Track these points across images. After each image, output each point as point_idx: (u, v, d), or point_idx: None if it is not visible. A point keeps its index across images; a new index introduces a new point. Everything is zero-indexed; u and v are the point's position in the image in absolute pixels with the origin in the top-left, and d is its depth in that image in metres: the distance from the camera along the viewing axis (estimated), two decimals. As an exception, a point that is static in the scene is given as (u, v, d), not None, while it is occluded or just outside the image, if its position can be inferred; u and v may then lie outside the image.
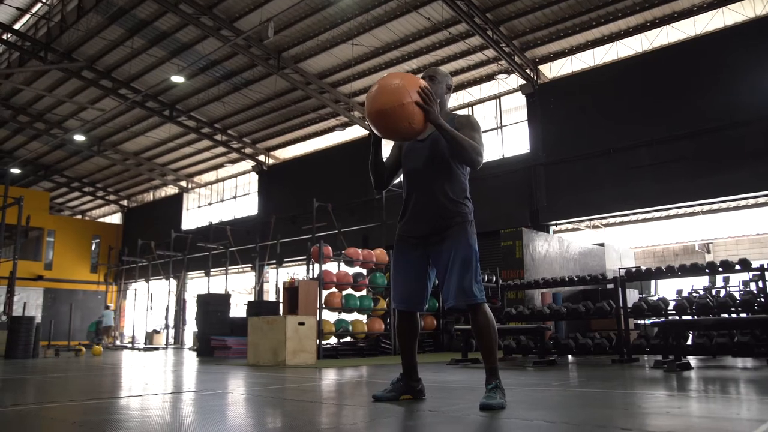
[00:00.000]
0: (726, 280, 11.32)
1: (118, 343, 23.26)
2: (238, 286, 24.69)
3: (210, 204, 26.88)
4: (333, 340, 11.00)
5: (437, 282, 3.41)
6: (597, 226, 18.40)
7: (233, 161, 24.62)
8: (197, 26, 15.59)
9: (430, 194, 3.30)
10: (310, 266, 11.43)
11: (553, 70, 16.07)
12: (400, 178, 3.58)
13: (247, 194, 24.86)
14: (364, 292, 11.35)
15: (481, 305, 3.13)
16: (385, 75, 3.15)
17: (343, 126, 19.93)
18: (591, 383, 4.64)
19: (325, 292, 10.25)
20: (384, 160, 3.50)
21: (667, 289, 12.68)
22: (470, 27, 14.08)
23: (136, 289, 23.83)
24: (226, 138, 22.47)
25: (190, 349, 16.35)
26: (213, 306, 12.79)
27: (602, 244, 15.54)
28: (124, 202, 31.58)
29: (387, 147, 3.39)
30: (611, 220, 17.70)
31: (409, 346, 3.46)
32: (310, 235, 13.20)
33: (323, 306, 10.05)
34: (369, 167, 3.40)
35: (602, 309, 7.57)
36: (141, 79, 19.31)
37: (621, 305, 7.27)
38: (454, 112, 3.46)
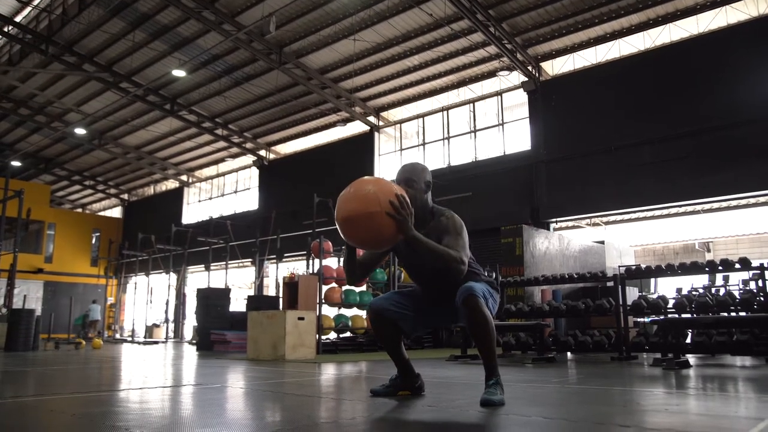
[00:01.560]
0: (726, 278, 11.33)
1: (117, 336, 23.30)
2: (238, 281, 24.71)
3: (210, 198, 26.88)
4: (332, 335, 11.03)
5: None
6: (597, 224, 18.41)
7: (234, 156, 24.62)
8: (199, 20, 15.56)
9: (438, 286, 3.25)
10: (310, 261, 11.44)
11: (555, 67, 16.04)
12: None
13: (248, 189, 24.86)
14: (363, 288, 11.37)
15: (476, 298, 2.99)
16: (360, 179, 2.95)
17: (344, 121, 19.91)
18: (590, 380, 4.65)
19: (324, 287, 10.27)
20: (359, 256, 3.33)
21: (666, 288, 12.70)
22: (472, 23, 14.05)
23: (136, 283, 23.85)
24: (227, 132, 22.46)
25: (189, 343, 16.37)
26: (213, 300, 12.81)
27: (602, 242, 15.54)
28: (125, 196, 31.59)
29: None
30: (612, 218, 17.70)
31: (395, 347, 3.41)
32: (311, 230, 13.21)
33: (323, 301, 10.06)
34: (342, 263, 3.25)
35: (602, 306, 7.56)
36: (142, 73, 19.28)
37: (620, 303, 7.27)
38: (442, 210, 3.22)
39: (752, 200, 14.72)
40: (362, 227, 2.83)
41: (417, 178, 3.20)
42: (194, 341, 14.55)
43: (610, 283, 7.73)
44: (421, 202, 3.18)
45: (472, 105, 17.73)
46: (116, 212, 32.54)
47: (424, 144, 18.85)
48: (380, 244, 2.97)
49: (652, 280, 13.57)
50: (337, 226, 2.90)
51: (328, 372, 5.73)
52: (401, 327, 3.34)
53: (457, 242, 3.02)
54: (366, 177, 3.03)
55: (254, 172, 24.24)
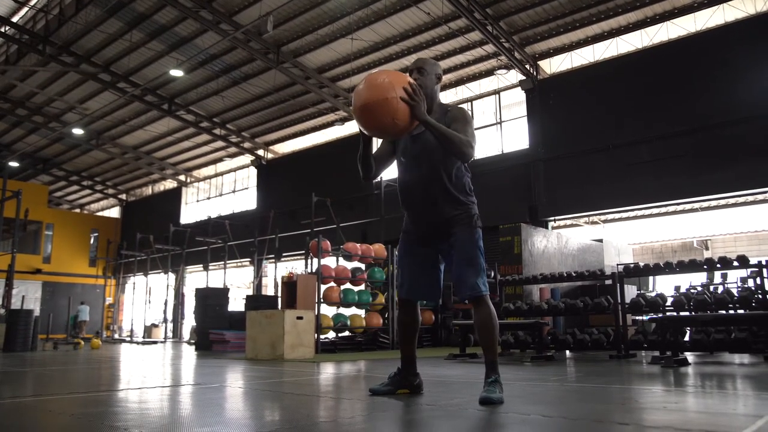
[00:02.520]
0: (724, 276, 11.34)
1: (116, 336, 23.28)
2: (236, 281, 24.70)
3: (209, 198, 26.86)
4: (331, 335, 11.03)
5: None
6: (595, 222, 18.42)
7: (232, 155, 24.60)
8: (196, 20, 15.54)
9: (430, 195, 3.27)
10: (309, 261, 11.44)
11: (553, 65, 16.04)
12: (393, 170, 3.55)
13: (246, 188, 24.84)
14: (362, 287, 11.37)
15: (484, 298, 3.12)
16: (374, 71, 3.09)
17: (342, 121, 19.89)
18: (588, 378, 4.66)
19: (323, 287, 10.27)
20: (374, 151, 3.42)
21: (665, 286, 12.70)
22: (470, 22, 14.05)
23: (134, 283, 23.83)
24: (225, 132, 22.43)
25: (188, 342, 16.37)
26: (211, 300, 12.81)
27: (601, 240, 15.55)
28: (123, 196, 31.55)
29: (377, 142, 3.35)
30: (610, 216, 17.71)
31: (409, 339, 3.47)
32: (309, 230, 13.22)
33: (321, 300, 10.06)
34: (357, 159, 3.32)
35: (600, 305, 7.58)
36: (140, 73, 19.25)
37: (619, 301, 7.28)
38: (447, 104, 3.40)
39: (750, 198, 14.74)
40: (378, 112, 2.93)
41: (429, 68, 3.35)
42: (193, 341, 14.54)
43: (609, 282, 7.75)
44: (431, 91, 3.32)
45: (470, 104, 17.73)
46: (114, 212, 32.50)
47: (422, 143, 18.81)
48: (395, 129, 3.02)
49: (651, 278, 13.60)
50: (355, 117, 3.04)
51: (327, 371, 5.73)
52: (428, 298, 3.43)
53: (466, 130, 3.15)
54: (379, 69, 3.15)
55: (252, 171, 24.22)
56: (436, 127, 3.03)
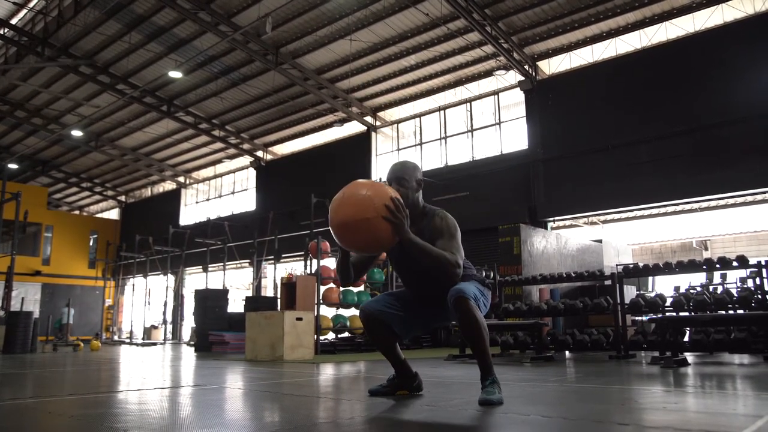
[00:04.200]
0: (723, 276, 11.35)
1: (115, 338, 23.26)
2: (236, 282, 24.69)
3: (208, 199, 26.85)
4: (331, 336, 11.02)
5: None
6: (595, 223, 18.42)
7: (231, 157, 24.60)
8: (195, 21, 15.54)
9: (428, 287, 3.23)
10: (308, 262, 11.43)
11: (552, 66, 16.05)
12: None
13: (245, 190, 24.83)
14: (361, 288, 11.37)
15: (467, 300, 2.96)
16: (353, 182, 2.91)
17: (341, 122, 19.89)
18: (588, 379, 4.65)
19: (322, 288, 10.27)
20: (352, 258, 3.28)
21: (664, 286, 12.71)
22: (469, 23, 14.06)
23: (134, 285, 23.80)
24: (224, 134, 22.44)
25: (187, 344, 16.36)
26: (211, 301, 12.80)
27: (600, 241, 15.55)
28: (122, 198, 31.54)
29: None
30: (609, 217, 17.71)
31: (388, 349, 3.38)
32: (308, 231, 13.19)
33: (321, 301, 10.06)
34: (336, 266, 3.20)
35: (600, 305, 7.57)
36: (139, 75, 19.26)
37: (618, 301, 7.28)
38: (433, 210, 3.23)
39: (750, 198, 14.75)
40: (358, 233, 2.80)
41: (408, 177, 3.19)
42: (192, 342, 14.53)
43: (608, 282, 7.74)
44: (413, 201, 3.18)
45: (469, 104, 17.74)
46: (114, 214, 32.49)
47: (421, 144, 18.85)
48: (376, 248, 2.95)
49: (650, 278, 13.61)
50: (332, 232, 2.86)
51: (327, 372, 5.73)
52: (394, 329, 3.32)
53: (452, 244, 3.01)
54: (359, 180, 2.99)
55: (251, 173, 24.22)
56: (420, 247, 2.91)
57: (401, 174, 3.19)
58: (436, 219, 3.14)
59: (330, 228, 2.87)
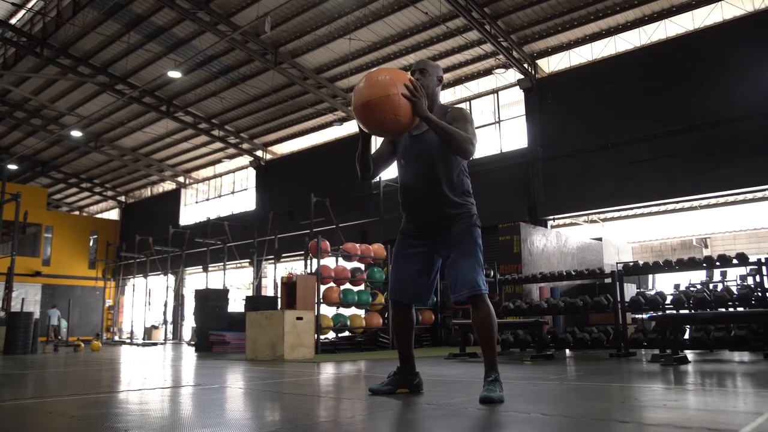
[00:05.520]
0: (723, 274, 11.35)
1: (116, 338, 23.26)
2: (236, 282, 24.69)
3: (208, 199, 26.85)
4: (331, 335, 11.03)
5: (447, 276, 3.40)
6: (595, 221, 18.42)
7: (231, 156, 24.59)
8: (194, 21, 15.53)
9: (430, 196, 3.27)
10: (308, 261, 11.43)
11: (551, 64, 16.05)
12: (392, 169, 3.53)
13: (245, 189, 24.83)
14: (362, 287, 11.37)
15: (483, 296, 3.11)
16: (373, 70, 3.09)
17: (341, 121, 19.90)
18: (588, 377, 4.66)
19: (323, 287, 10.26)
20: (372, 152, 3.39)
21: (664, 284, 12.70)
22: (468, 21, 14.05)
23: (134, 285, 23.81)
24: (224, 133, 22.43)
25: (188, 344, 16.36)
26: (211, 301, 12.81)
27: (600, 239, 15.55)
28: (122, 198, 31.54)
29: (376, 142, 3.31)
30: (609, 215, 17.71)
31: (406, 339, 3.46)
32: (308, 230, 13.22)
33: (321, 301, 10.06)
34: (356, 159, 3.29)
35: (600, 303, 7.58)
36: (138, 75, 19.25)
37: (618, 299, 7.28)
38: (447, 105, 3.39)
39: (749, 196, 14.74)
40: (380, 109, 2.91)
41: (430, 70, 3.34)
42: (193, 342, 14.54)
43: (608, 280, 7.76)
44: (432, 92, 3.31)
45: (468, 103, 17.72)
46: (113, 214, 32.49)
47: (421, 143, 18.81)
48: (397, 126, 2.99)
49: (650, 276, 13.60)
50: (355, 115, 3.01)
51: (327, 371, 5.73)
52: (420, 302, 3.45)
53: (467, 127, 3.14)
54: (379, 67, 3.11)
55: (251, 172, 24.22)
56: (438, 123, 3.02)
57: (423, 66, 3.36)
58: (453, 110, 3.30)
59: (353, 111, 3.01)
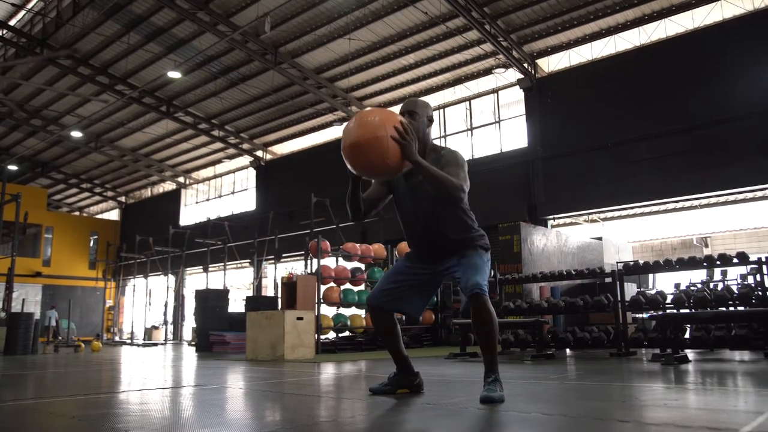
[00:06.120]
0: (724, 273, 11.34)
1: (116, 339, 23.26)
2: (236, 282, 24.70)
3: (208, 200, 26.86)
4: (331, 335, 11.03)
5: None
6: (595, 221, 18.42)
7: (231, 157, 24.60)
8: (194, 21, 15.54)
9: (432, 232, 3.25)
10: (309, 261, 11.44)
11: (551, 64, 16.05)
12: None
13: (245, 190, 24.84)
14: (362, 287, 11.37)
15: (483, 295, 3.06)
16: (364, 110, 3.00)
17: (341, 121, 19.89)
18: (589, 376, 4.66)
19: (323, 287, 10.27)
20: (363, 193, 3.33)
21: (665, 283, 12.69)
22: (468, 21, 14.05)
23: (134, 285, 23.81)
24: (224, 134, 22.44)
25: (188, 344, 16.36)
26: (211, 301, 12.81)
27: (600, 238, 15.52)
28: (122, 199, 31.55)
29: (366, 184, 3.29)
30: (609, 214, 17.71)
31: (394, 341, 3.42)
32: (309, 230, 13.21)
33: (321, 301, 10.06)
34: (346, 199, 3.24)
35: (600, 303, 7.57)
36: (137, 75, 19.26)
37: (619, 299, 7.28)
38: (440, 147, 3.33)
39: (750, 195, 14.73)
40: (369, 152, 2.86)
41: (420, 111, 3.29)
42: (193, 342, 14.54)
43: (609, 280, 7.75)
44: (423, 135, 3.26)
45: (468, 103, 17.74)
46: (113, 215, 32.50)
47: (421, 142, 18.81)
48: (387, 170, 2.96)
49: (651, 275, 13.58)
50: (344, 156, 2.95)
51: (328, 371, 5.73)
52: (405, 312, 3.38)
53: (458, 173, 3.08)
54: (370, 108, 3.08)
55: (251, 172, 24.22)
56: (427, 168, 2.96)
57: (413, 108, 3.29)
58: (444, 152, 3.23)
59: (342, 152, 2.95)
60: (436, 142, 16.61)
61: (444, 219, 3.18)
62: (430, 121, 3.34)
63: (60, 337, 19.32)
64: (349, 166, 2.99)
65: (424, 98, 18.26)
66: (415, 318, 3.48)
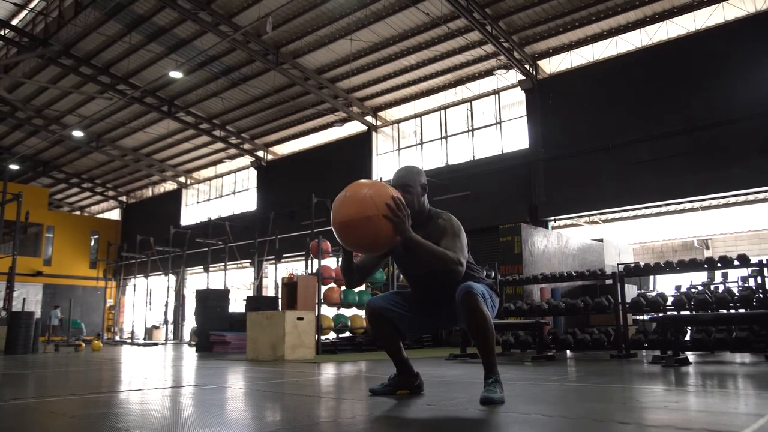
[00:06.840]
0: (725, 275, 11.32)
1: (117, 338, 23.27)
2: (237, 282, 24.70)
3: (209, 200, 26.87)
4: (332, 335, 11.03)
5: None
6: (596, 222, 18.42)
7: (232, 157, 24.62)
8: (195, 22, 15.55)
9: (435, 288, 3.24)
10: (309, 261, 11.44)
11: (553, 65, 16.05)
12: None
13: (246, 190, 24.85)
14: (362, 288, 11.37)
15: (477, 297, 2.97)
16: (354, 183, 2.94)
17: (342, 121, 19.91)
18: (589, 378, 4.65)
19: (323, 288, 10.27)
20: (357, 260, 3.31)
21: (665, 285, 12.70)
22: (469, 22, 14.06)
23: (135, 285, 23.81)
24: (225, 134, 22.46)
25: (189, 344, 16.36)
26: (212, 301, 12.81)
27: (601, 240, 15.55)
28: (123, 198, 31.57)
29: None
30: (610, 216, 17.71)
31: (394, 346, 3.41)
32: (309, 231, 13.20)
33: (322, 301, 10.06)
34: (340, 268, 3.23)
35: (601, 304, 7.57)
36: (139, 75, 19.27)
37: (619, 301, 7.27)
38: (439, 212, 3.26)
39: (751, 197, 14.73)
40: (359, 231, 2.81)
41: (413, 183, 3.20)
42: (194, 342, 14.54)
43: (609, 281, 7.74)
44: (419, 206, 3.19)
45: (469, 104, 17.74)
46: (114, 214, 32.52)
47: (421, 143, 18.85)
48: (378, 248, 2.95)
49: (651, 277, 13.60)
50: (334, 231, 2.89)
51: (328, 372, 5.73)
52: (399, 328, 3.36)
53: (455, 244, 3.01)
54: (361, 180, 3.01)
55: (252, 173, 24.24)
56: (421, 245, 2.91)
57: (405, 181, 3.20)
58: (440, 221, 3.16)
59: (332, 228, 2.90)
60: (437, 142, 16.61)
61: (445, 276, 3.07)
62: (424, 189, 3.25)
63: (64, 337, 19.36)
64: (339, 242, 2.94)
65: (425, 99, 18.33)
66: (405, 336, 3.47)
